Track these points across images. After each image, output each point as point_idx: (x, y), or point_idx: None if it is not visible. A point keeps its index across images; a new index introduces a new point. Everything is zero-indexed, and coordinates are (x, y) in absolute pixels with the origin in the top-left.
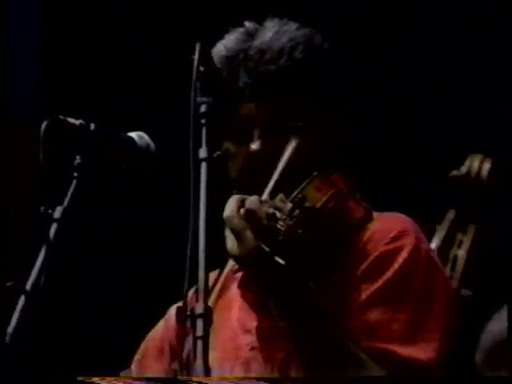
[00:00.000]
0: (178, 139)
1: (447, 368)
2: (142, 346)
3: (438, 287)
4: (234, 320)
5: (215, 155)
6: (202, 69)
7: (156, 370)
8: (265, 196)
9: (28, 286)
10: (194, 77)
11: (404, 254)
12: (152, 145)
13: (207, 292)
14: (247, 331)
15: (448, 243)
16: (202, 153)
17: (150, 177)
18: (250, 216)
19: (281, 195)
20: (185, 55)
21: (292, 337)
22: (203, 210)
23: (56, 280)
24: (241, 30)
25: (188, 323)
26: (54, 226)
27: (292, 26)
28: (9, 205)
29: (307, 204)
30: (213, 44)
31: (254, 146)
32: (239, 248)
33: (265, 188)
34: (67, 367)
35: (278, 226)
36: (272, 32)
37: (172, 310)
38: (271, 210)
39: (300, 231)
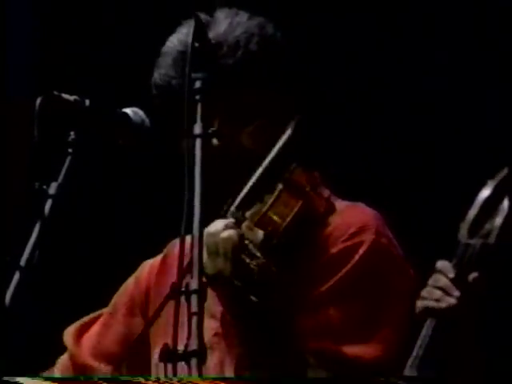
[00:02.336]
0: (172, 115)
1: (397, 367)
2: (114, 300)
3: (395, 284)
4: None
5: (210, 131)
6: (196, 45)
7: (123, 328)
8: (233, 208)
9: (22, 262)
10: (188, 53)
11: (361, 251)
12: (147, 120)
13: (202, 268)
14: (212, 316)
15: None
16: (197, 129)
17: (144, 152)
18: (226, 245)
19: (248, 222)
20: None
21: (244, 339)
22: (198, 185)
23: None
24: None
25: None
26: (48, 202)
27: (244, 17)
28: (9, 183)
29: (278, 225)
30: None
31: (215, 139)
32: (211, 268)
33: (225, 182)
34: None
35: (252, 266)
36: (225, 24)
37: (144, 267)
38: (244, 242)
39: (273, 269)
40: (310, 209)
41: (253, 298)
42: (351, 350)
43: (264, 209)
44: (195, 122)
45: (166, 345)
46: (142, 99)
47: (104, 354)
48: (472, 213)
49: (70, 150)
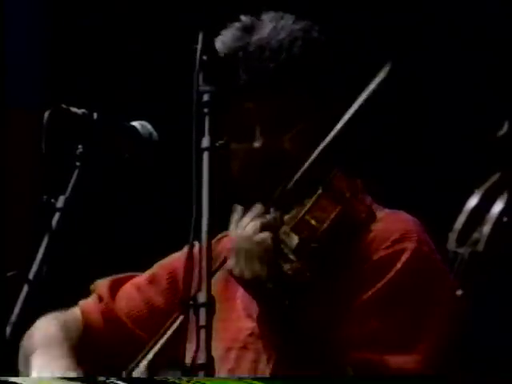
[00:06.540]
0: (180, 128)
1: (441, 374)
2: (155, 270)
3: (436, 294)
4: (239, 301)
5: (218, 144)
6: (204, 58)
7: (161, 301)
8: (272, 203)
9: (31, 276)
10: (196, 66)
11: (403, 259)
12: (154, 134)
13: (210, 282)
14: (249, 315)
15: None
16: (205, 142)
17: (152, 166)
18: (261, 249)
19: (285, 227)
20: (188, 43)
21: (281, 346)
22: (206, 200)
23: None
24: (237, 25)
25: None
26: (56, 216)
27: (289, 20)
28: (8, 195)
29: (316, 229)
30: (216, 32)
31: (257, 143)
32: (248, 273)
33: (266, 185)
34: None
35: (286, 269)
36: (270, 27)
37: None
38: (280, 245)
39: (308, 273)
40: (349, 215)
41: (286, 302)
42: (393, 359)
43: (302, 213)
44: (203, 135)
45: (174, 358)
46: (150, 112)
47: (137, 319)
48: (460, 221)
49: (77, 164)
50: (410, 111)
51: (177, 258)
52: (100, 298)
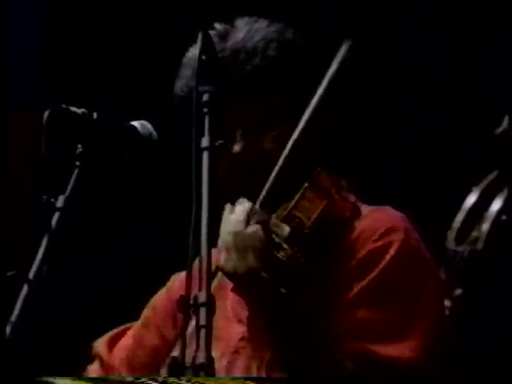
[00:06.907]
0: (180, 128)
1: (432, 366)
2: (145, 314)
3: (425, 285)
4: (229, 308)
5: (217, 144)
6: (204, 58)
7: (158, 341)
8: (257, 204)
9: (30, 276)
10: (196, 66)
11: (392, 251)
12: (154, 133)
13: (210, 281)
14: (239, 321)
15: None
16: (205, 142)
17: (151, 166)
18: (253, 240)
19: (274, 219)
20: (186, 43)
21: (276, 343)
22: (205, 199)
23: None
24: (211, 32)
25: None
26: (56, 215)
27: (263, 24)
28: (8, 195)
29: (304, 222)
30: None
31: (237, 146)
32: (242, 267)
33: (250, 188)
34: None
35: (279, 256)
36: (244, 32)
37: (175, 279)
38: (271, 235)
39: (301, 259)
40: (334, 210)
41: (282, 290)
42: (388, 350)
43: (289, 207)
44: (203, 135)
45: (174, 358)
46: (149, 112)
47: (137, 366)
48: (459, 220)
49: (77, 163)
50: (408, 108)
51: (163, 295)
52: (100, 359)
